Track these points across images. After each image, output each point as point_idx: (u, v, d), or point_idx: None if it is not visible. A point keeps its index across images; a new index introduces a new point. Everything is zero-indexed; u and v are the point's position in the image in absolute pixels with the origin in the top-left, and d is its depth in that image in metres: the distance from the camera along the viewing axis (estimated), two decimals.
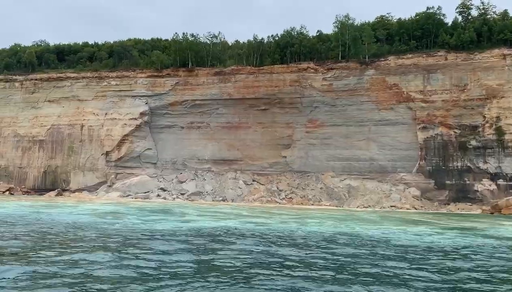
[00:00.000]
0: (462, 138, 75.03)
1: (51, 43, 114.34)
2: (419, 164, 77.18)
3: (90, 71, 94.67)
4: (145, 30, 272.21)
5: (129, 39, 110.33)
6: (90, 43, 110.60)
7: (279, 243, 23.77)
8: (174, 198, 79.28)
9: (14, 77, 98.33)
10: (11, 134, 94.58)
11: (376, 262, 17.73)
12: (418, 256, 20.02)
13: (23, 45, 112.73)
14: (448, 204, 74.16)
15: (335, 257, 18.81)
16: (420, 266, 17.07)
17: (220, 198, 79.33)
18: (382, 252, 20.95)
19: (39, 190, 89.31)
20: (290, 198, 78.46)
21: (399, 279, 14.53)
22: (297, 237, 27.20)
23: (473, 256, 20.62)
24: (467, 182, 74.45)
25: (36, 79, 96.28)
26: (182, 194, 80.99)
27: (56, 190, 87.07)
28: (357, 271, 15.69)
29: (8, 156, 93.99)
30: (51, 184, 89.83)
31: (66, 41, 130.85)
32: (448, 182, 75.50)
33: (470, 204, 72.79)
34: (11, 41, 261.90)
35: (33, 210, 44.61)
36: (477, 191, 73.08)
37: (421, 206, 73.09)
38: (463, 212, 67.68)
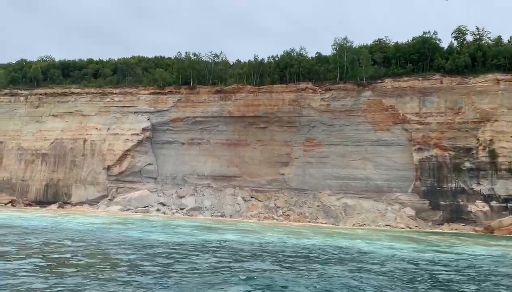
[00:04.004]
0: (456, 160, 76.63)
1: (57, 59, 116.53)
2: (414, 184, 78.66)
3: (94, 87, 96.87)
4: (148, 48, 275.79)
5: (133, 57, 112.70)
6: (95, 59, 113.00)
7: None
8: (173, 213, 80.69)
9: (19, 91, 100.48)
10: (15, 147, 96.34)
11: None
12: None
13: (29, 60, 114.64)
14: (442, 224, 75.50)
15: None
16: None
17: (219, 214, 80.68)
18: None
19: (41, 202, 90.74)
20: (288, 215, 79.83)
21: None
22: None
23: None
24: (461, 203, 75.78)
25: (41, 94, 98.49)
26: (182, 209, 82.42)
27: (58, 203, 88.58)
28: None
29: (11, 169, 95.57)
30: (52, 197, 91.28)
31: (71, 57, 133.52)
32: (442, 202, 76.87)
33: (463, 224, 74.14)
34: (17, 56, 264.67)
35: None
36: (471, 212, 74.36)
37: (416, 226, 74.43)
38: (455, 232, 69.10)
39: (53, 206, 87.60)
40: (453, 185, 76.74)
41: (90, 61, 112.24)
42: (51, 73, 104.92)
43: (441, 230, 71.74)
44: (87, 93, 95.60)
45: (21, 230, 35.59)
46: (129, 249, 26.30)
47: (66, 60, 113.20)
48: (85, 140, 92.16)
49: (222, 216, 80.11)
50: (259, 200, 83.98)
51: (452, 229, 73.00)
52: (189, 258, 23.66)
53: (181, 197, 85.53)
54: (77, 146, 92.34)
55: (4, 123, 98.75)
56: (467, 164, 76.03)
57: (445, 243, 44.94)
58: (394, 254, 31.04)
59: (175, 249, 27.73)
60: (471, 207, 74.72)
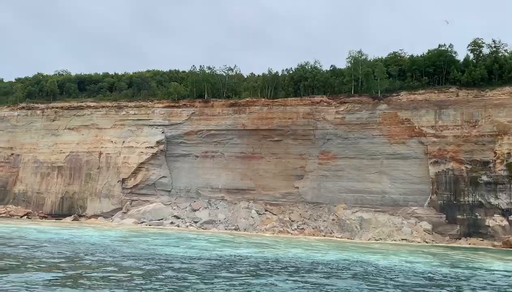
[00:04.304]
0: (473, 173, 75.49)
1: (73, 73, 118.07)
2: (430, 198, 77.59)
3: (110, 100, 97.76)
4: (163, 62, 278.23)
5: (148, 70, 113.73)
6: (110, 73, 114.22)
7: None
8: (187, 226, 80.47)
9: (36, 105, 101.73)
10: (31, 160, 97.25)
11: None
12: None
13: (45, 74, 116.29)
14: (459, 238, 74.16)
15: None
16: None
17: (233, 227, 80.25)
18: None
19: (56, 215, 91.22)
20: (302, 229, 79.15)
21: None
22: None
23: None
24: (479, 217, 74.44)
25: (57, 108, 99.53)
26: (195, 222, 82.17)
27: (73, 216, 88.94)
28: None
29: (27, 181, 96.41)
30: (68, 209, 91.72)
31: (87, 71, 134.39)
32: (459, 216, 75.57)
33: (481, 239, 72.72)
34: (34, 70, 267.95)
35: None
36: (489, 226, 72.91)
37: (432, 240, 73.22)
38: (473, 247, 67.88)
39: (68, 219, 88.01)
40: (470, 199, 75.53)
41: (106, 75, 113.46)
42: (67, 87, 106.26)
43: (458, 245, 70.55)
44: (102, 107, 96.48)
45: (37, 243, 35.66)
46: (143, 263, 26.14)
47: (82, 74, 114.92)
48: (100, 153, 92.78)
49: (236, 229, 79.71)
50: (274, 214, 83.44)
51: (469, 243, 71.71)
52: (202, 272, 23.42)
53: (195, 210, 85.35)
54: (93, 159, 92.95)
55: (20, 136, 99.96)
56: (484, 178, 74.83)
57: (463, 258, 44.13)
58: (411, 269, 30.47)
59: (188, 263, 27.50)
60: (489, 222, 73.28)
